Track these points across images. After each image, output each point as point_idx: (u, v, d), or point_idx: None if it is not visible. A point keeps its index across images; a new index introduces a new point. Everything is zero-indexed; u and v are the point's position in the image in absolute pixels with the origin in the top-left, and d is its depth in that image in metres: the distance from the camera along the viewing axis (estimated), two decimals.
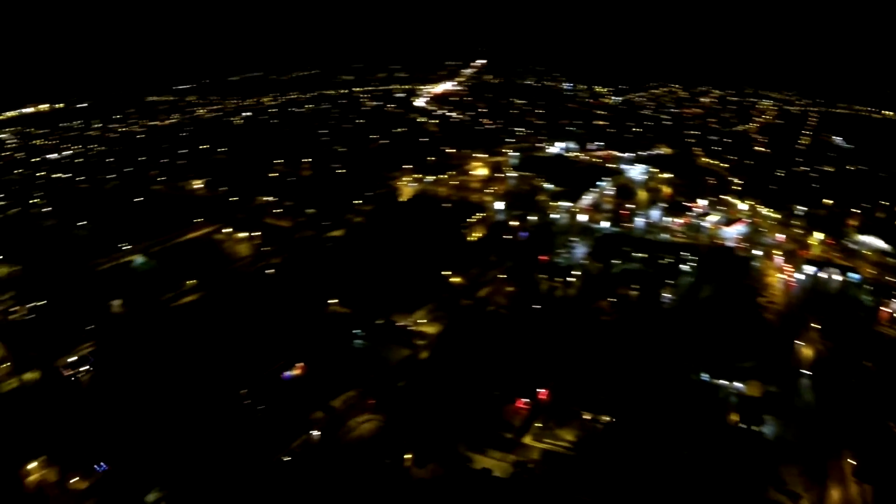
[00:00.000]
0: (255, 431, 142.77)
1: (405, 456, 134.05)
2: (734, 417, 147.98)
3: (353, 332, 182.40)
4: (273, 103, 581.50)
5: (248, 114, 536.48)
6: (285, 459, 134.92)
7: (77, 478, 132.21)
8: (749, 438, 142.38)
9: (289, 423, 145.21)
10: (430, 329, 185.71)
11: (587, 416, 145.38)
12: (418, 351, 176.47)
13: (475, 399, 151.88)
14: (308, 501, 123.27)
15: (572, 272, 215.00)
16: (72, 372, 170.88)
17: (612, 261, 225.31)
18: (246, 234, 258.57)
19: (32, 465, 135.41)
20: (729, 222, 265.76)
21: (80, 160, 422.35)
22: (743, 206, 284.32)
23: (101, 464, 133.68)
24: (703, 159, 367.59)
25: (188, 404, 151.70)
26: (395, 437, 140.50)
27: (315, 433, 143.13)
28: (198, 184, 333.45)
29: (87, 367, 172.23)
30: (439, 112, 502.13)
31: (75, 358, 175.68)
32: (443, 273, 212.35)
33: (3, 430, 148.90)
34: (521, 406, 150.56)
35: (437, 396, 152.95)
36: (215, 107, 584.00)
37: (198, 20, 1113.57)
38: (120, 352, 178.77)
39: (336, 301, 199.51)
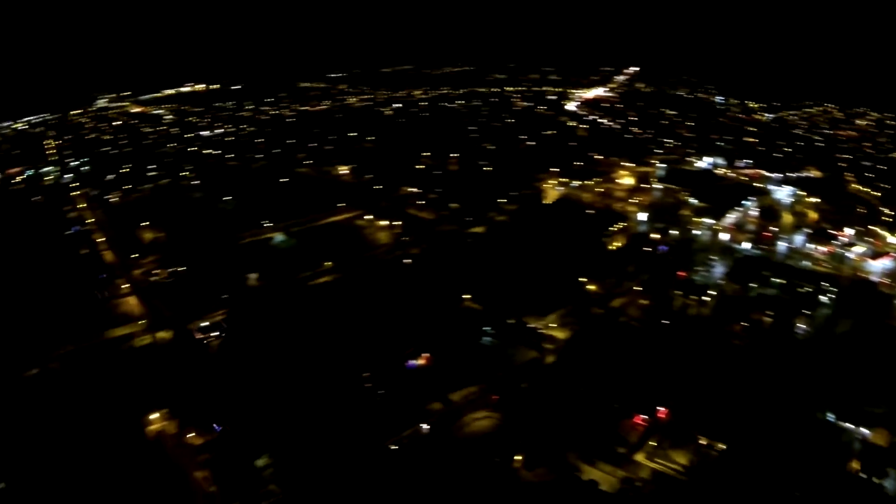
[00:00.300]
0: (370, 415, 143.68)
1: (516, 457, 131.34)
2: (855, 465, 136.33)
3: (484, 328, 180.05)
4: (424, 97, 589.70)
5: (399, 105, 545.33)
6: (394, 447, 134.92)
7: (194, 433, 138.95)
8: (867, 489, 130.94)
9: (405, 411, 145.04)
10: (560, 334, 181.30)
11: (703, 441, 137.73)
12: (545, 354, 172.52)
13: (594, 409, 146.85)
14: (411, 489, 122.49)
15: (708, 291, 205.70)
16: (202, 336, 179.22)
17: (750, 284, 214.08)
18: (387, 222, 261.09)
19: (154, 416, 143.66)
20: (875, 255, 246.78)
21: (231, 139, 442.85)
22: (892, 239, 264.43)
23: (218, 425, 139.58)
24: (853, 186, 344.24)
25: (309, 380, 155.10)
26: (508, 437, 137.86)
27: (430, 424, 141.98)
28: (343, 170, 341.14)
29: (218, 333, 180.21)
30: (589, 117, 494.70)
31: (207, 323, 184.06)
32: (579, 279, 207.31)
33: (132, 379, 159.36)
34: (639, 422, 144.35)
35: (557, 402, 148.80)
36: (366, 96, 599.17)
37: (352, 11, 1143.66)
38: (250, 323, 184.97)
39: (470, 297, 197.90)
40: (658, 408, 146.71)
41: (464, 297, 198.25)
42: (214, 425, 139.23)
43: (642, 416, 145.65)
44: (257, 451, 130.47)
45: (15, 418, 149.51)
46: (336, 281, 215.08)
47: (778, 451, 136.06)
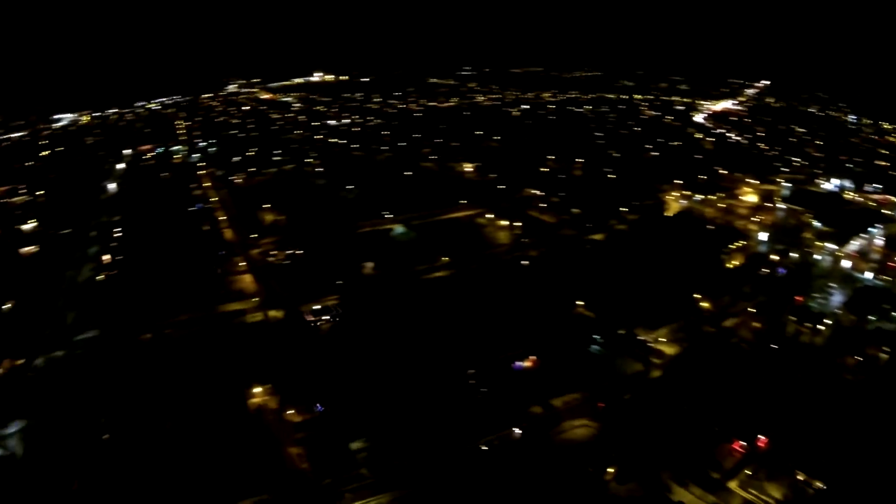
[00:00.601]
0: (470, 411, 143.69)
1: (608, 469, 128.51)
2: None
3: (593, 336, 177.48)
4: (552, 99, 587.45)
5: (527, 107, 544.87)
6: (485, 447, 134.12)
7: (293, 411, 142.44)
8: None
9: (505, 412, 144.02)
10: (668, 349, 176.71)
11: (800, 477, 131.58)
12: (651, 368, 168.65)
13: (693, 429, 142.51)
14: (500, 488, 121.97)
15: (824, 320, 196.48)
16: (313, 319, 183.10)
17: (869, 316, 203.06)
18: (507, 222, 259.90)
19: (258, 390, 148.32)
20: None
21: (357, 129, 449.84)
22: None
23: (319, 405, 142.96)
24: None
25: (413, 372, 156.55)
26: (604, 448, 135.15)
27: (529, 427, 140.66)
28: (468, 167, 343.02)
29: (329, 317, 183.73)
30: (717, 130, 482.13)
31: (319, 307, 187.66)
32: (693, 295, 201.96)
33: (240, 352, 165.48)
34: (737, 448, 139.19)
35: (657, 417, 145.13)
36: (494, 96, 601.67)
37: (483, 11, 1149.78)
38: (362, 310, 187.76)
39: (583, 304, 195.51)
40: (758, 436, 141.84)
41: (577, 303, 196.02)
42: (316, 405, 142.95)
43: (741, 442, 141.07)
44: (353, 435, 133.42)
45: (125, 377, 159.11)
46: (451, 276, 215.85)
47: (878, 497, 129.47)
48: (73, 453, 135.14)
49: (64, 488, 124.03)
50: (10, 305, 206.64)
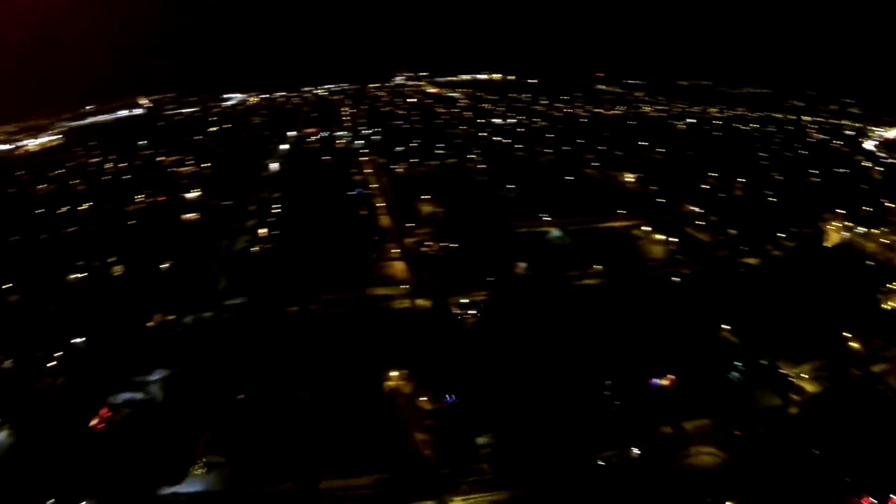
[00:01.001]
0: (596, 423, 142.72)
1: (727, 503, 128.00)
2: None
3: (734, 363, 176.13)
4: (718, 115, 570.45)
5: (692, 121, 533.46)
6: (601, 462, 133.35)
7: (426, 398, 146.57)
8: None
9: (633, 427, 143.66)
10: (809, 387, 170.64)
11: None
12: (789, 404, 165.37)
13: (823, 474, 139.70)
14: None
15: None
16: (459, 311, 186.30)
17: None
18: (664, 236, 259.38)
19: (394, 373, 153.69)
20: None
21: (521, 130, 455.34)
22: None
23: (451, 396, 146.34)
24: None
25: (549, 374, 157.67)
26: (725, 480, 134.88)
27: (653, 446, 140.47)
28: (629, 177, 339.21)
29: (475, 311, 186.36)
30: (888, 160, 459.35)
31: (467, 300, 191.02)
32: (843, 333, 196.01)
33: (381, 335, 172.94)
34: None
35: (787, 456, 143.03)
36: (661, 107, 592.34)
37: (653, 22, 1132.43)
38: (509, 309, 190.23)
39: (729, 328, 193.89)
40: (892, 496, 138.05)
41: (723, 326, 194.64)
42: (449, 396, 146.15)
43: (871, 499, 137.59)
44: (480, 429, 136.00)
45: (267, 345, 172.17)
46: (602, 285, 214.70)
47: None
48: (207, 407, 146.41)
49: (193, 438, 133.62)
50: (167, 265, 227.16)
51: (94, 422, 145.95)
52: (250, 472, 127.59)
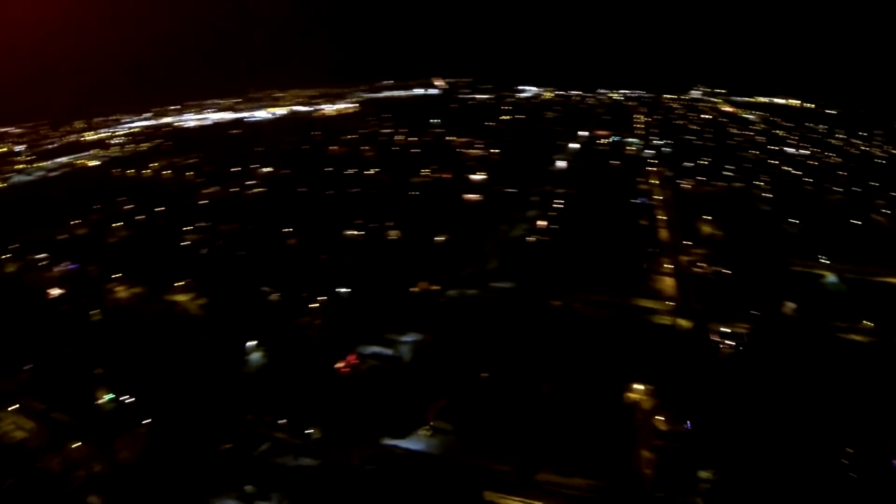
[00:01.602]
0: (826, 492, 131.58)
1: None
2: None
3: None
4: None
5: None
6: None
7: (663, 418, 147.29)
8: None
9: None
10: None
11: None
12: None
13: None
14: None
15: None
16: (718, 339, 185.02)
17: None
18: None
19: (639, 387, 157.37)
20: None
21: (814, 163, 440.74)
22: None
23: (689, 423, 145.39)
24: None
25: (789, 426, 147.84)
26: None
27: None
28: None
29: (734, 343, 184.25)
30: None
31: (728, 330, 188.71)
32: None
33: (634, 349, 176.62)
34: None
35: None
36: None
37: None
38: (768, 347, 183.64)
39: None
40: None
41: None
42: (685, 422, 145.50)
43: None
44: (706, 463, 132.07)
45: (517, 331, 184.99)
46: (869, 344, 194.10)
47: None
48: (450, 377, 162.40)
49: (429, 402, 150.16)
50: (442, 239, 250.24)
51: (340, 364, 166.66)
52: (471, 445, 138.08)
